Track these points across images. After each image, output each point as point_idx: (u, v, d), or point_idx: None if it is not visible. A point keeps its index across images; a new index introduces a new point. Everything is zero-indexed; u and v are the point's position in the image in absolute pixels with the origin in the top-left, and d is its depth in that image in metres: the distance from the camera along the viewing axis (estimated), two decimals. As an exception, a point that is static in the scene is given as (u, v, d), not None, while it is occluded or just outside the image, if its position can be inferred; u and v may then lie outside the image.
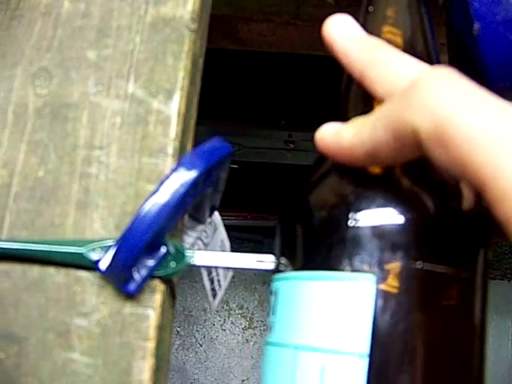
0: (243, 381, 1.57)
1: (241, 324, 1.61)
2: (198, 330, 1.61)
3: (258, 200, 1.17)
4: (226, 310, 1.62)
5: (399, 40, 0.31)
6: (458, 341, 0.25)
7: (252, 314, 1.62)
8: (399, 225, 0.25)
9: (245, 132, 0.94)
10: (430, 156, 0.23)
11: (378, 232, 0.25)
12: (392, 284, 0.24)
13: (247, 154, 1.00)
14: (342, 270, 0.25)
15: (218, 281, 0.40)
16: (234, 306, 1.62)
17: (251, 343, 1.59)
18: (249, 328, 1.61)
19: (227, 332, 1.61)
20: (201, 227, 0.38)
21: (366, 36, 0.29)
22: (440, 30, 0.49)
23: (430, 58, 0.31)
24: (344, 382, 0.24)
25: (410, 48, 0.31)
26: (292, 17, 0.65)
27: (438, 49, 0.33)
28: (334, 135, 0.27)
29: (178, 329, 1.60)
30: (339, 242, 0.25)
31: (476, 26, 0.38)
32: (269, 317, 0.28)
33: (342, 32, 0.29)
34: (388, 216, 0.25)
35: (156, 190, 0.27)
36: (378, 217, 0.25)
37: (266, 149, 0.98)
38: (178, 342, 1.60)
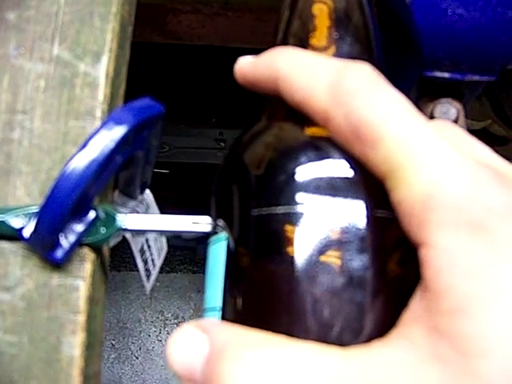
0: (181, 392, 1.54)
1: (177, 334, 1.58)
2: (133, 342, 1.57)
3: (191, 203, 1.15)
4: (161, 320, 1.58)
5: (332, 8, 0.30)
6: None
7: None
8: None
9: (174, 131, 0.92)
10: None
11: None
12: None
13: (177, 155, 0.97)
14: None
15: (152, 260, 0.39)
16: (170, 315, 1.59)
17: (188, 353, 1.56)
18: (185, 338, 1.58)
19: (163, 343, 1.57)
20: (132, 203, 0.37)
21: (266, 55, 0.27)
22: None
23: (367, 28, 0.31)
24: None
25: (344, 17, 0.30)
26: (221, 7, 0.64)
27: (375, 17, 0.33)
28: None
29: (113, 342, 1.55)
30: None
31: (408, -6, 0.38)
32: None
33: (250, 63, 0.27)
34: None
35: (83, 146, 0.26)
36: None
37: (197, 148, 0.97)
38: (113, 356, 1.55)
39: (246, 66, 0.27)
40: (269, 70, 0.25)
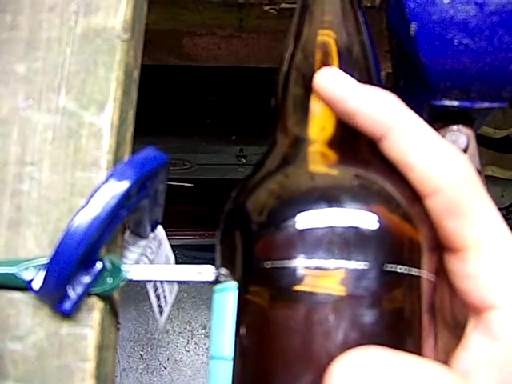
0: (209, 402, 1.55)
1: (205, 344, 1.59)
2: (161, 353, 1.58)
3: (214, 217, 1.15)
4: (188, 330, 1.59)
5: (334, 43, 0.30)
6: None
7: (215, 334, 1.60)
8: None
9: (195, 149, 0.93)
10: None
11: None
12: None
13: (198, 172, 0.98)
14: None
15: (164, 297, 0.39)
16: (197, 326, 1.60)
17: (216, 363, 1.57)
18: (213, 348, 1.59)
19: (191, 353, 1.58)
20: (144, 242, 0.37)
21: (378, 91, 0.27)
22: (384, 38, 0.49)
23: (367, 61, 0.31)
24: None
25: (345, 51, 0.30)
26: (235, 29, 0.65)
27: (377, 52, 0.33)
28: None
29: (141, 352, 1.57)
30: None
31: (412, 26, 0.38)
32: None
33: (344, 88, 0.27)
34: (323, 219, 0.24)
35: (86, 203, 0.26)
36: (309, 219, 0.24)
37: (218, 165, 0.98)
38: (141, 366, 1.57)
39: (340, 88, 0.27)
40: (379, 115, 0.26)
